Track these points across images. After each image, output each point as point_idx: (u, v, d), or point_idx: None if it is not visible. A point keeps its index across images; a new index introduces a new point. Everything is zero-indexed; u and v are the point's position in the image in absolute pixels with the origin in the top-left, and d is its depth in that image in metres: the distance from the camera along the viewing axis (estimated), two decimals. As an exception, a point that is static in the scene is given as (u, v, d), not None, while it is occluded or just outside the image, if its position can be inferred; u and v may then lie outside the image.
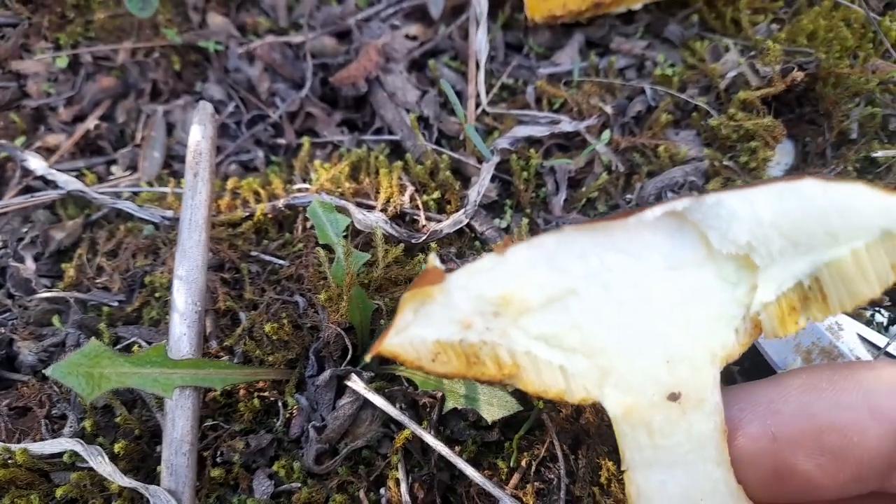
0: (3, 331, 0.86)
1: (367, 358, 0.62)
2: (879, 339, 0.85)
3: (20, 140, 1.05)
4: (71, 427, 0.78)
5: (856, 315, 0.89)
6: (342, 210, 0.88)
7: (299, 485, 0.76)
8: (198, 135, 0.83)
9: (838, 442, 0.63)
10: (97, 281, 0.88)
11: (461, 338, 0.62)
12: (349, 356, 0.80)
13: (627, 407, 0.64)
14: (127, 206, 0.92)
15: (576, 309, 0.64)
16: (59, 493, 0.73)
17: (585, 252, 0.65)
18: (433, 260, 0.64)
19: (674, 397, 0.63)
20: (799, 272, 0.63)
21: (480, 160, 0.96)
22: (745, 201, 0.64)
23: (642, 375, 0.64)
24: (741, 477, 0.64)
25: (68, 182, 0.96)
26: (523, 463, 0.79)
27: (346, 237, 0.84)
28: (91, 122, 1.07)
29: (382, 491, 0.77)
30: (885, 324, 0.92)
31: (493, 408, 0.74)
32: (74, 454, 0.75)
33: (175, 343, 0.75)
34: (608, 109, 1.00)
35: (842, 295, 0.62)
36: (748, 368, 0.88)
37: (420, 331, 0.63)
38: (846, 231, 0.61)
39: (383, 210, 0.91)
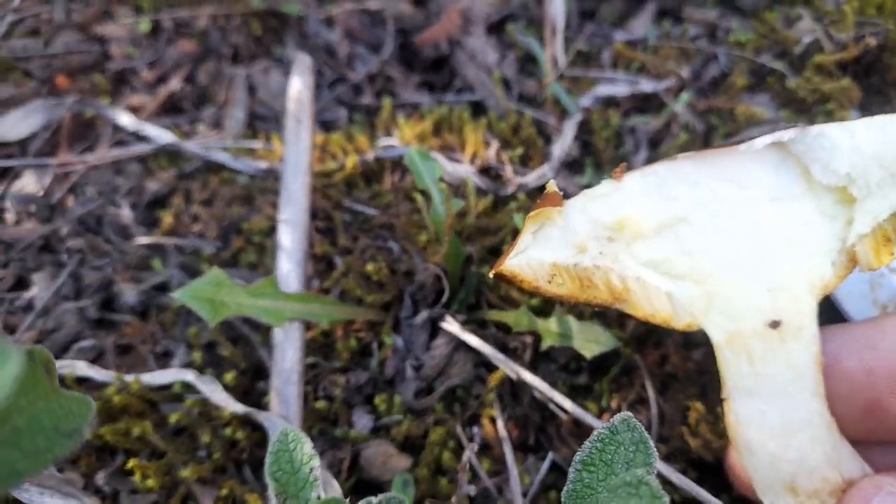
0: (103, 274, 0.89)
1: (490, 274, 0.65)
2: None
3: (105, 100, 1.08)
4: (179, 360, 0.81)
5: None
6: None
7: (400, 417, 0.78)
8: (298, 84, 0.86)
9: (932, 379, 0.65)
10: (193, 228, 0.91)
11: (576, 261, 0.65)
12: (445, 298, 0.82)
13: (730, 334, 0.67)
14: (221, 157, 0.95)
15: (685, 236, 0.67)
16: (172, 419, 0.75)
17: (696, 181, 0.68)
18: (552, 185, 0.67)
19: (774, 325, 0.65)
20: (894, 202, 0.65)
21: (561, 119, 0.99)
22: (847, 133, 0.66)
23: (745, 303, 0.67)
24: (835, 411, 0.66)
25: (161, 136, 0.99)
26: (614, 404, 0.81)
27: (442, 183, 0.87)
28: (174, 84, 1.10)
29: (476, 429, 0.79)
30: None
31: (591, 344, 0.76)
32: (184, 385, 0.78)
33: (283, 280, 0.78)
34: (684, 73, 1.02)
35: None
36: (828, 321, 0.90)
37: (538, 252, 0.66)
38: None
39: (471, 163, 0.93)
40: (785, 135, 0.67)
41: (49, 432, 0.37)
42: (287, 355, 0.75)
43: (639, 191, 0.67)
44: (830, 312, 0.90)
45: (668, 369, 0.83)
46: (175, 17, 1.16)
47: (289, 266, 0.78)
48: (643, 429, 0.53)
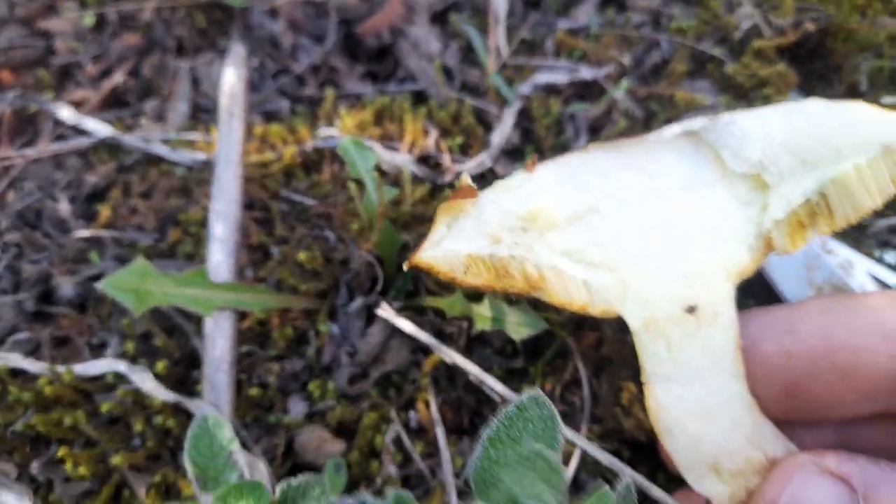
0: (41, 267, 0.88)
1: (406, 267, 0.66)
2: (889, 278, 0.88)
3: (49, 95, 1.08)
4: (113, 351, 0.81)
5: (866, 254, 0.92)
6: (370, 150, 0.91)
7: (333, 403, 0.78)
8: (231, 77, 0.86)
9: (850, 361, 0.65)
10: (131, 220, 0.91)
11: (491, 252, 0.66)
12: (379, 286, 0.83)
13: (647, 320, 0.67)
14: (159, 149, 0.95)
15: (598, 226, 0.68)
16: (104, 408, 0.75)
17: (607, 171, 0.69)
18: (466, 178, 0.68)
19: (691, 310, 0.66)
20: (806, 189, 0.66)
21: (502, 108, 0.99)
22: (757, 120, 0.68)
23: (661, 290, 0.68)
24: (756, 392, 0.67)
25: (101, 129, 0.99)
26: (548, 387, 0.81)
27: (376, 171, 0.87)
28: (118, 78, 1.10)
29: (412, 413, 0.80)
30: (894, 264, 0.95)
31: (521, 327, 0.76)
32: (117, 376, 0.78)
33: (214, 270, 0.78)
34: (625, 60, 1.03)
35: (846, 208, 0.65)
36: (762, 303, 0.91)
37: (453, 244, 0.67)
38: (849, 147, 0.65)
39: (409, 152, 0.93)
40: (696, 123, 0.68)
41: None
42: (217, 344, 0.76)
43: (551, 181, 0.68)
44: (767, 294, 0.91)
45: (604, 352, 0.84)
46: (120, 11, 1.16)
47: (220, 256, 0.78)
48: (552, 405, 0.53)
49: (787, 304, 0.71)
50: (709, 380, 0.67)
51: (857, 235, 0.94)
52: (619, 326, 0.85)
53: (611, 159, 0.70)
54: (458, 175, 0.92)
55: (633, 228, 0.69)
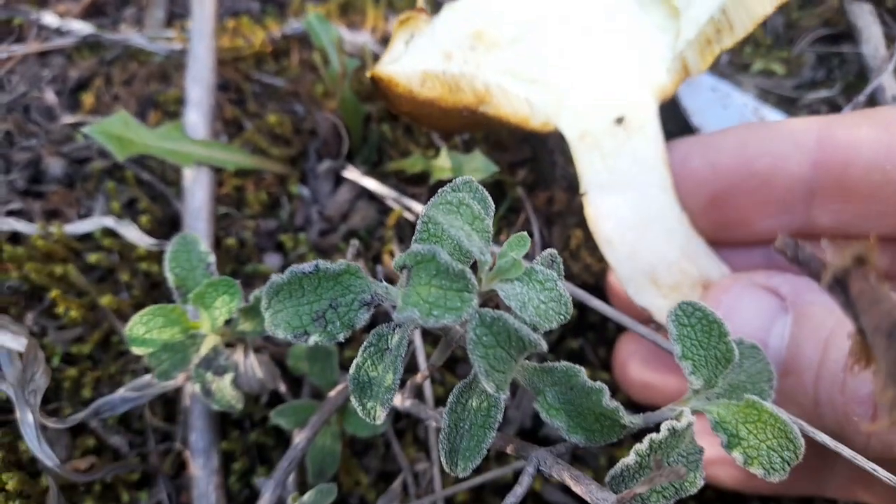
0: (31, 153, 0.95)
1: (368, 74, 0.72)
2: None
3: (33, 8, 1.14)
4: (100, 210, 0.88)
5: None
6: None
7: (305, 251, 0.85)
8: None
9: (766, 167, 0.73)
10: (114, 106, 0.97)
11: (444, 68, 0.73)
12: (345, 149, 0.89)
13: (582, 131, 0.75)
14: (139, 41, 1.01)
15: (535, 46, 0.76)
16: (92, 259, 0.82)
17: None
18: (421, 1, 0.75)
19: (619, 121, 0.74)
20: (710, 8, 0.74)
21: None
22: None
23: (592, 103, 0.75)
24: (686, 206, 0.75)
25: (82, 28, 1.05)
26: (502, 238, 0.89)
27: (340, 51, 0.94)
28: (98, -10, 1.15)
29: (379, 268, 0.87)
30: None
31: (475, 172, 0.83)
32: (105, 232, 0.84)
33: (190, 128, 0.85)
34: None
35: (744, 19, 0.73)
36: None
37: (410, 60, 0.74)
38: None
39: (371, 34, 1.00)
40: None
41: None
42: (196, 195, 0.82)
43: (492, 4, 0.76)
44: (684, 130, 0.98)
45: (554, 209, 0.91)
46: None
47: (196, 116, 0.85)
48: (483, 189, 0.60)
49: (714, 131, 0.78)
50: (641, 189, 0.75)
51: (789, 109, 1.01)
52: (569, 187, 0.92)
53: None
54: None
55: (567, 50, 0.77)
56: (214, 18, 0.89)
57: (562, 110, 0.76)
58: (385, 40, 1.01)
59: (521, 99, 0.75)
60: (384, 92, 0.75)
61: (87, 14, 1.14)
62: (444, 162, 0.85)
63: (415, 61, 0.75)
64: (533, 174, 0.92)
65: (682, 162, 0.76)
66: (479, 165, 0.83)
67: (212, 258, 0.68)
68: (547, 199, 0.92)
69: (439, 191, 0.59)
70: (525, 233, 0.51)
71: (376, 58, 0.98)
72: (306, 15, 1.03)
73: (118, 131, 0.77)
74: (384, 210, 0.90)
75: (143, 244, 0.81)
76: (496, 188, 0.91)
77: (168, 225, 0.88)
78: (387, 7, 1.04)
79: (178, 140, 0.81)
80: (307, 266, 0.47)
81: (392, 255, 0.86)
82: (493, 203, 0.60)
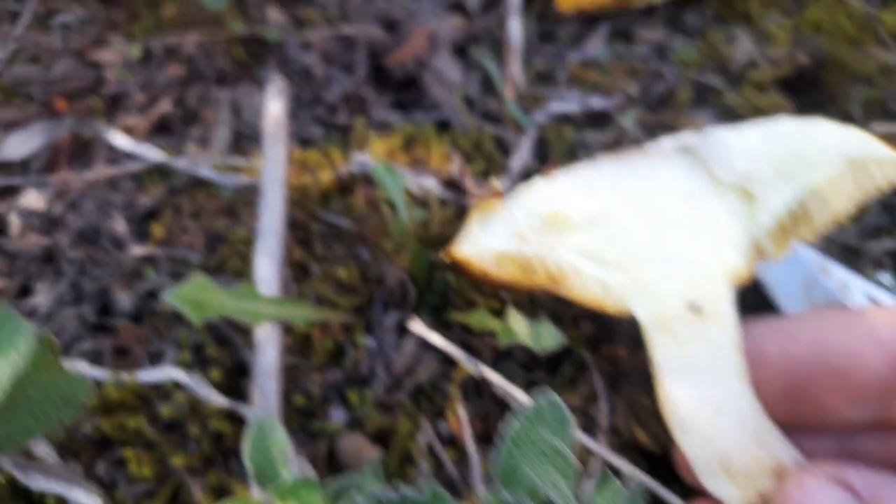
0: (100, 282, 0.97)
1: (443, 255, 0.74)
2: (884, 297, 0.96)
3: (101, 122, 1.17)
4: (170, 359, 0.90)
5: (862, 275, 1.00)
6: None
7: (371, 411, 0.87)
8: (273, 105, 0.95)
9: (843, 364, 0.73)
10: (182, 239, 1.00)
11: (518, 249, 0.75)
12: (411, 298, 0.91)
13: (656, 316, 0.76)
14: (207, 173, 1.03)
15: (610, 228, 0.77)
16: (164, 412, 0.84)
17: (616, 180, 0.78)
18: (497, 183, 0.77)
19: (695, 308, 0.75)
20: (787, 198, 0.74)
21: (519, 134, 1.08)
22: (739, 136, 0.77)
23: (668, 288, 0.76)
24: (759, 392, 0.75)
25: (151, 155, 1.08)
26: (567, 400, 0.89)
27: (406, 195, 0.96)
28: (164, 106, 1.19)
29: (442, 423, 0.88)
30: (888, 284, 1.03)
31: (543, 341, 0.85)
32: (175, 384, 0.86)
33: (262, 283, 0.87)
34: (633, 91, 1.11)
35: (823, 214, 0.74)
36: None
37: (486, 241, 0.76)
38: (819, 159, 0.74)
39: (435, 177, 1.02)
40: (687, 139, 0.78)
41: (56, 402, 0.46)
42: (267, 353, 0.84)
43: (567, 187, 0.77)
44: (770, 312, 0.99)
45: (620, 368, 0.92)
46: (164, 44, 1.25)
47: (267, 270, 0.87)
48: (565, 408, 0.61)
49: (789, 314, 0.79)
50: (714, 376, 0.75)
51: (852, 258, 1.02)
52: (633, 342, 0.93)
53: (618, 169, 0.79)
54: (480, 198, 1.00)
55: (641, 231, 0.78)
56: (286, 164, 0.91)
57: (636, 295, 0.76)
58: (450, 183, 1.03)
59: (595, 281, 0.76)
60: (459, 270, 0.76)
61: (155, 130, 1.17)
62: (512, 326, 0.86)
63: (490, 243, 0.76)
64: (596, 327, 0.93)
65: (757, 349, 0.77)
66: (545, 335, 0.84)
67: (288, 447, 0.69)
68: (611, 357, 0.93)
69: (519, 418, 0.60)
70: (616, 485, 0.52)
71: (442, 203, 0.99)
72: (370, 151, 1.06)
73: (195, 296, 0.79)
74: (447, 361, 0.91)
75: (215, 403, 0.82)
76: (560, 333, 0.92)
77: (236, 373, 0.90)
78: (450, 145, 1.06)
79: (251, 299, 0.83)
80: (392, 495, 0.48)
81: (456, 414, 0.88)
82: (573, 423, 0.62)
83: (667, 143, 0.80)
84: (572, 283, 0.78)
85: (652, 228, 0.80)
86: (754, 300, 0.97)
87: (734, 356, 0.76)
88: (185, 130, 1.17)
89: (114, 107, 1.20)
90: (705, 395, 0.76)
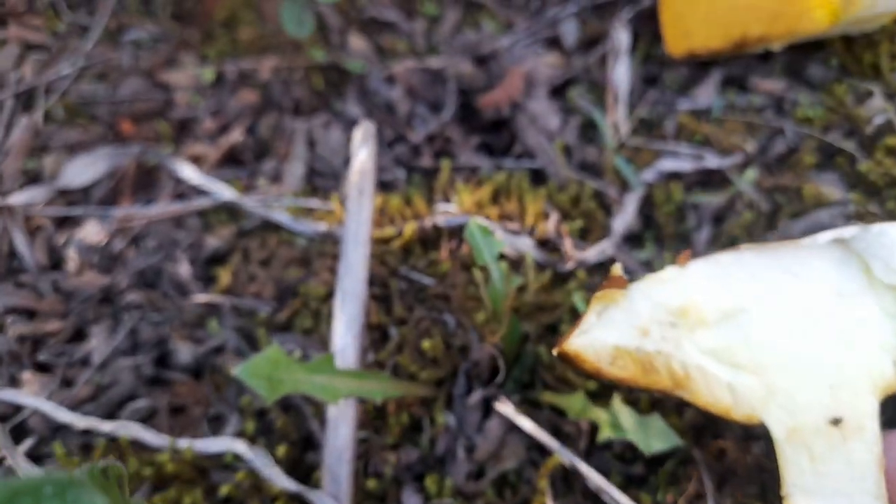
0: (159, 330, 0.89)
1: (554, 352, 0.65)
2: None
3: (168, 148, 1.10)
4: (232, 428, 0.81)
5: None
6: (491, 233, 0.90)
7: (450, 500, 0.77)
8: (363, 154, 0.86)
9: None
10: (250, 288, 0.92)
11: (638, 345, 0.65)
12: (500, 378, 0.81)
13: (791, 429, 0.65)
14: (281, 217, 0.95)
15: (746, 326, 0.67)
16: (223, 490, 0.75)
17: (757, 272, 0.68)
18: (617, 268, 0.67)
19: (836, 422, 0.64)
20: None
21: (622, 190, 0.97)
22: None
23: (806, 398, 0.66)
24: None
25: (221, 192, 1.00)
26: (669, 499, 0.79)
27: (501, 259, 0.86)
28: (236, 135, 1.11)
29: (527, 517, 0.78)
30: None
31: (651, 440, 0.74)
32: (235, 456, 0.78)
33: (339, 353, 0.78)
34: (749, 148, 1.00)
35: None
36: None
37: (601, 333, 0.66)
38: None
39: (530, 235, 0.92)
40: (846, 232, 0.67)
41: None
42: (340, 433, 0.75)
43: (702, 278, 0.67)
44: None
45: (727, 463, 0.81)
46: (239, 68, 1.18)
47: (346, 340, 0.78)
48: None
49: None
50: (851, 497, 0.65)
51: None
52: (744, 436, 0.82)
53: (761, 260, 0.69)
54: (579, 263, 0.90)
55: (781, 332, 0.68)
56: (371, 221, 0.82)
57: (770, 403, 0.66)
58: (544, 242, 0.93)
59: (724, 385, 0.66)
60: (568, 363, 0.66)
61: (225, 161, 1.09)
62: (611, 417, 0.75)
63: (606, 335, 0.66)
64: (701, 415, 0.82)
65: (897, 469, 0.66)
66: (657, 433, 0.74)
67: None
68: (718, 451, 0.81)
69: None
70: None
71: (538, 267, 0.89)
72: (457, 200, 0.96)
73: (268, 371, 0.70)
74: (534, 446, 0.81)
75: (280, 485, 0.73)
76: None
77: (303, 446, 0.81)
78: (546, 199, 0.96)
79: (328, 373, 0.74)
80: None
81: (544, 508, 0.77)
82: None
83: (821, 235, 0.69)
84: (697, 388, 0.67)
85: (793, 328, 0.69)
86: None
87: (875, 476, 0.65)
88: (257, 163, 1.09)
89: (182, 133, 1.13)
90: (839, 517, 0.65)
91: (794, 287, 0.68)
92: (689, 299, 0.67)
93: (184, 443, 0.78)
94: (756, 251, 0.68)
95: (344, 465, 0.74)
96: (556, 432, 0.82)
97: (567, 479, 0.80)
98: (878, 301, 0.68)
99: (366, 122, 0.88)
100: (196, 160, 1.09)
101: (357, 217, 0.82)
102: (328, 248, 0.92)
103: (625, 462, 0.81)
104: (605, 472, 0.80)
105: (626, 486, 0.80)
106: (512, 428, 0.81)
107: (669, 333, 0.67)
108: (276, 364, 0.72)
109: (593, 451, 0.81)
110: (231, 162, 1.10)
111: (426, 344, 0.81)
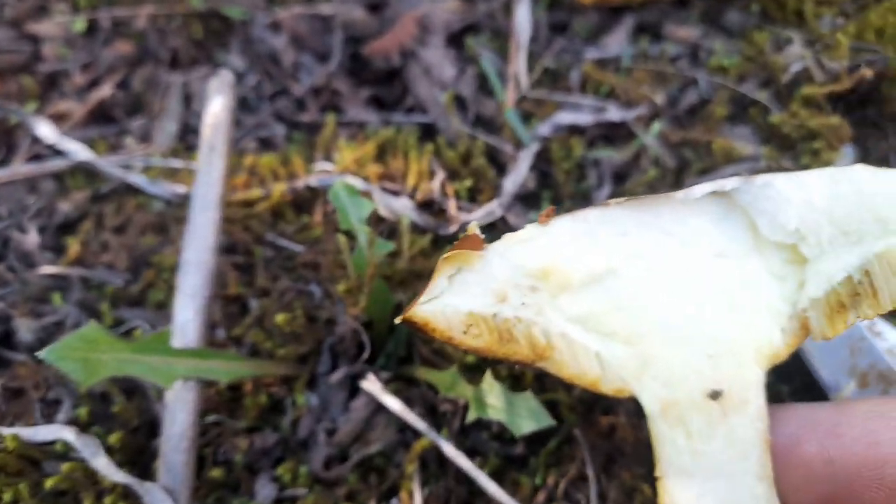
0: (2, 305, 0.80)
1: (397, 321, 0.57)
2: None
3: (32, 105, 1.00)
4: (65, 414, 0.73)
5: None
6: (367, 194, 0.82)
7: (305, 490, 0.69)
8: (216, 105, 0.77)
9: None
10: (102, 258, 0.83)
11: (495, 311, 0.57)
12: (366, 354, 0.73)
13: (665, 402, 0.58)
14: (138, 180, 0.86)
15: (617, 290, 0.59)
16: (48, 483, 0.67)
17: (628, 230, 0.60)
18: (474, 227, 0.59)
19: (715, 395, 0.58)
20: (849, 264, 0.57)
21: (518, 147, 0.89)
22: (796, 184, 0.59)
23: (683, 368, 0.59)
24: (789, 501, 0.58)
25: (78, 152, 0.90)
26: (550, 481, 0.72)
27: (369, 224, 0.78)
28: (106, 90, 1.01)
29: (394, 502, 0.71)
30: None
31: (522, 419, 0.67)
32: (67, 446, 0.70)
33: (179, 330, 0.69)
34: (658, 99, 0.92)
35: (893, 288, 0.57)
36: (799, 388, 0.81)
37: (454, 299, 0.58)
38: None
39: (411, 196, 0.84)
40: (727, 184, 0.59)
41: None
42: (178, 419, 0.67)
43: (567, 237, 0.59)
44: (804, 380, 0.81)
45: (616, 441, 0.74)
46: (113, 17, 1.07)
47: (187, 314, 0.69)
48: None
49: (835, 403, 0.61)
50: (733, 478, 0.59)
51: (910, 314, 0.84)
52: (636, 411, 0.76)
53: (633, 217, 0.61)
54: (463, 226, 0.82)
55: (655, 297, 0.60)
56: (223, 181, 0.74)
57: (643, 374, 0.59)
58: (427, 204, 0.85)
59: (591, 355, 0.58)
60: (419, 332, 0.59)
61: (92, 118, 0.99)
62: (482, 396, 0.68)
63: (459, 300, 0.58)
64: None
65: (790, 447, 0.59)
66: (528, 412, 0.66)
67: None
68: (608, 428, 0.75)
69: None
70: None
71: (416, 230, 0.81)
72: (337, 154, 0.88)
73: (83, 352, 0.62)
74: (407, 426, 0.74)
75: (110, 477, 0.65)
76: (548, 410, 0.75)
77: (147, 431, 0.73)
78: (433, 155, 0.87)
79: (162, 353, 0.65)
80: None
81: (411, 495, 0.70)
82: None
83: (698, 188, 0.62)
84: (562, 357, 0.60)
85: (669, 292, 0.61)
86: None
87: (759, 455, 0.58)
88: (128, 121, 0.99)
89: (49, 88, 1.03)
90: (720, 501, 0.59)
91: (668, 247, 0.60)
92: (552, 260, 0.59)
93: (8, 431, 0.69)
94: (627, 207, 0.60)
95: (181, 454, 0.66)
96: (432, 411, 0.75)
97: (441, 461, 0.73)
98: (765, 261, 0.61)
99: (223, 72, 0.79)
100: (61, 118, 0.99)
101: (207, 177, 0.74)
102: (186, 212, 0.83)
103: (504, 442, 0.74)
104: (483, 453, 0.73)
105: (505, 468, 0.73)
106: (381, 408, 0.74)
107: (530, 298, 0.59)
108: (93, 344, 0.63)
109: (470, 430, 0.74)
110: (100, 120, 1.00)
111: (280, 318, 0.73)
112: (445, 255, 0.58)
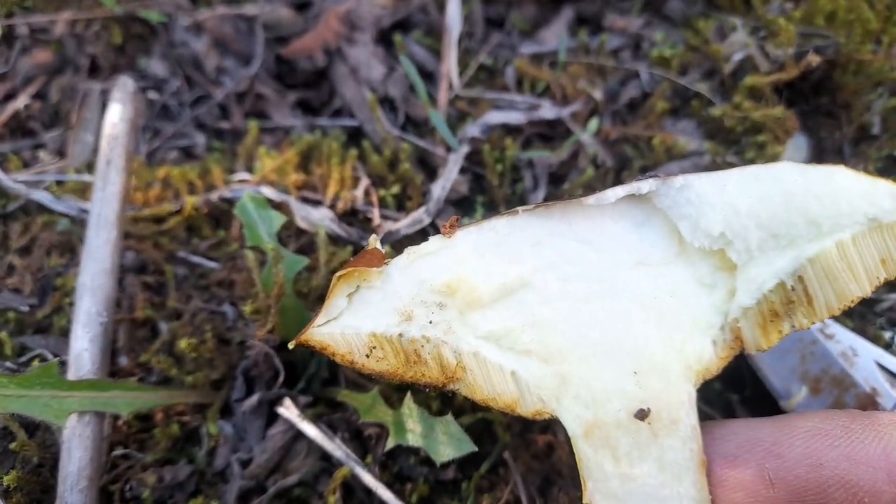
0: None
1: (291, 346, 0.53)
2: (898, 369, 0.74)
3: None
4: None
5: (873, 338, 0.78)
6: (282, 206, 0.77)
7: (216, 528, 0.65)
8: (114, 115, 0.72)
9: (846, 501, 0.52)
10: (7, 281, 0.78)
11: (401, 331, 0.53)
12: (280, 378, 0.69)
13: (589, 424, 0.54)
14: (42, 197, 0.81)
15: (531, 304, 0.55)
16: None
17: (541, 239, 0.56)
18: (374, 241, 0.55)
19: (642, 415, 0.54)
20: (781, 270, 0.54)
21: (450, 150, 0.85)
22: (716, 186, 0.55)
23: (606, 387, 0.55)
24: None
25: (-19, 168, 0.85)
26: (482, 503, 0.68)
27: (286, 237, 0.74)
28: (22, 101, 0.96)
29: (317, 536, 0.67)
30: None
31: (443, 445, 0.63)
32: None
33: (75, 359, 0.65)
34: (597, 95, 0.88)
35: (828, 295, 0.54)
36: (749, 397, 0.77)
37: (354, 320, 0.54)
38: (829, 220, 0.54)
39: (331, 206, 0.79)
40: (643, 186, 0.55)
41: None
42: (74, 456, 0.62)
43: (473, 249, 0.55)
44: (754, 384, 0.77)
45: (553, 462, 0.70)
46: (31, 23, 1.02)
47: (82, 343, 0.65)
48: None
49: (776, 419, 0.57)
50: (665, 502, 0.55)
51: (863, 312, 0.80)
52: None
53: (545, 225, 0.57)
54: (388, 235, 0.78)
55: (573, 311, 0.56)
56: (122, 197, 0.69)
57: (563, 395, 0.55)
58: (351, 213, 0.80)
59: (507, 375, 0.55)
60: (321, 355, 0.55)
61: (9, 130, 0.94)
62: (403, 420, 0.64)
63: (360, 321, 0.54)
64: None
65: (728, 467, 0.55)
66: (448, 438, 0.62)
67: None
68: (546, 449, 0.71)
69: None
70: None
71: (336, 241, 0.77)
72: (259, 162, 0.83)
73: (-41, 391, 0.57)
74: (329, 457, 0.70)
75: (-2, 524, 0.61)
76: (482, 429, 0.71)
77: (50, 467, 0.68)
78: (356, 160, 0.83)
79: (52, 386, 0.61)
80: None
81: (333, 528, 0.66)
82: None
83: (611, 191, 0.57)
84: (474, 378, 0.55)
85: (588, 305, 0.57)
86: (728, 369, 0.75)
87: (694, 477, 0.55)
88: (45, 133, 0.94)
89: (-38, 101, 0.98)
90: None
91: (585, 256, 0.56)
92: (459, 274, 0.55)
93: None
94: (538, 214, 0.56)
95: (78, 494, 0.62)
96: (358, 435, 0.71)
97: (369, 489, 0.69)
98: (691, 268, 0.57)
99: (123, 79, 0.74)
100: (-26, 132, 0.93)
101: (102, 194, 0.69)
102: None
103: (434, 467, 0.70)
104: (412, 478, 0.69)
105: (436, 493, 0.69)
106: (301, 435, 0.69)
107: (438, 316, 0.54)
108: (-32, 383, 0.58)
109: (398, 455, 0.70)
110: (19, 132, 0.95)
111: (184, 343, 0.68)
112: (341, 273, 0.54)
